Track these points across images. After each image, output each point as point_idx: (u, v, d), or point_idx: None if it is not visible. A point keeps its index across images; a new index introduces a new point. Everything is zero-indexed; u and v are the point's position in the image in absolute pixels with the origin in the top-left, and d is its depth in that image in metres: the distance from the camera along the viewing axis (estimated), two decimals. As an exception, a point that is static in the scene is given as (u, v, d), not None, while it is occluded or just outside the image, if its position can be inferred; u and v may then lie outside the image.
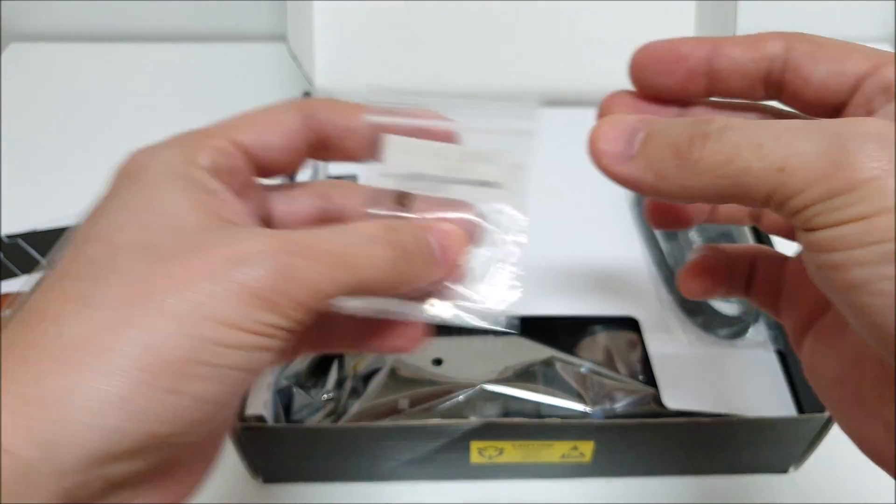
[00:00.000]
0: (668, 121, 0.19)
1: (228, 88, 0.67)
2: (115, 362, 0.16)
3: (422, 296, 0.23)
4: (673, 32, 0.58)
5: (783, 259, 0.25)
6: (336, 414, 0.37)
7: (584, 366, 0.39)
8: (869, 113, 0.20)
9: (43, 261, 0.49)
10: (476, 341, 0.40)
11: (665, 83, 0.22)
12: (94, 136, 0.62)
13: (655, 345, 0.39)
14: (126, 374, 0.16)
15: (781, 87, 0.21)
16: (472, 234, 0.23)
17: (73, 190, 0.55)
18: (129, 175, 0.20)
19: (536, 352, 0.39)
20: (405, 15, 0.56)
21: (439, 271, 0.21)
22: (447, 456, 0.37)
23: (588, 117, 0.61)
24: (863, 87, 0.20)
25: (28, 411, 0.16)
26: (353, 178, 0.52)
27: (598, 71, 0.57)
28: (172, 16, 0.72)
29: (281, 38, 0.53)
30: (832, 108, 0.21)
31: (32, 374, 0.16)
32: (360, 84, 0.60)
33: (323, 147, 0.24)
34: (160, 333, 0.17)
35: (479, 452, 0.37)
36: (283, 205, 0.25)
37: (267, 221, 0.24)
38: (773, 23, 0.73)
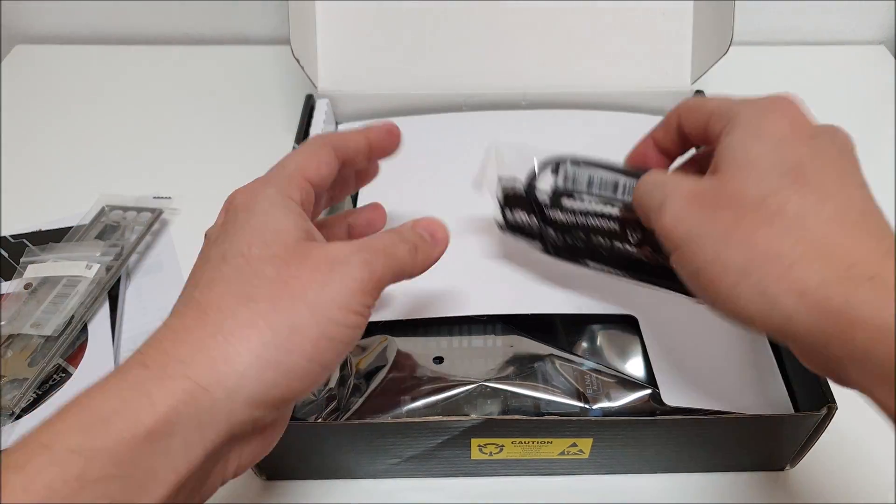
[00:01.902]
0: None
1: (231, 91, 0.67)
2: (273, 337, 0.23)
3: None
4: (673, 32, 0.59)
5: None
6: (338, 411, 0.38)
7: (584, 363, 0.39)
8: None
9: (48, 260, 0.49)
10: (476, 339, 0.40)
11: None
12: (98, 138, 0.63)
13: (654, 343, 0.39)
14: (279, 345, 0.23)
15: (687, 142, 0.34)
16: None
17: (76, 190, 0.56)
18: (243, 206, 0.27)
19: (536, 349, 0.39)
20: (407, 17, 0.56)
21: (436, 249, 0.30)
22: (448, 453, 0.37)
23: (591, 118, 0.62)
24: (721, 141, 0.28)
25: (218, 366, 0.23)
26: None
27: (598, 72, 0.57)
28: (176, 18, 0.72)
29: (284, 40, 0.54)
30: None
31: (220, 344, 0.23)
32: (363, 86, 0.61)
33: (343, 167, 0.32)
34: (301, 316, 0.24)
35: (479, 449, 0.37)
36: (325, 229, 0.35)
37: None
38: (772, 23, 0.74)
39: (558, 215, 0.36)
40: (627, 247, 0.34)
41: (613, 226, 0.34)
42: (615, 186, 0.34)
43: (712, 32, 0.53)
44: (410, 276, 0.29)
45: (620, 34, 0.56)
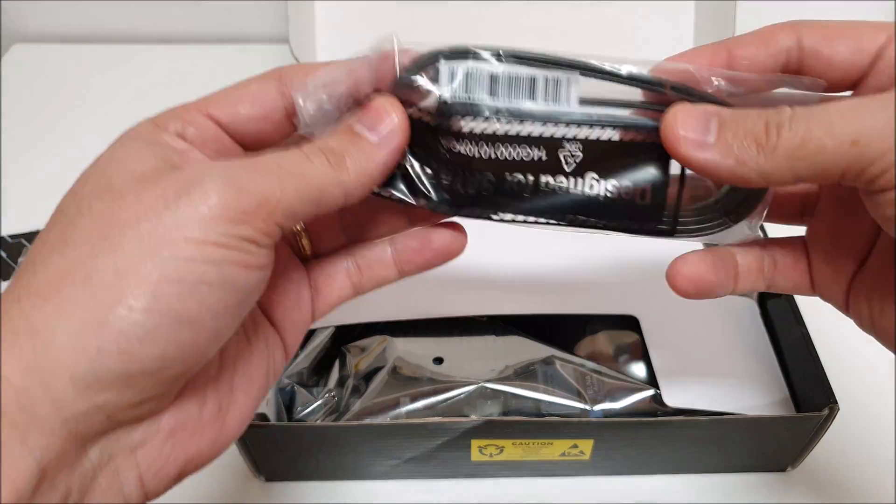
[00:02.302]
0: (737, 110, 0.21)
1: (230, 89, 0.67)
2: (91, 289, 0.18)
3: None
4: (672, 32, 0.58)
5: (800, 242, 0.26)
6: (338, 412, 0.37)
7: (585, 364, 0.39)
8: (892, 80, 0.22)
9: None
10: (476, 340, 0.40)
11: None
12: (96, 138, 0.62)
13: (655, 343, 0.39)
14: (101, 297, 0.18)
15: (801, 72, 0.23)
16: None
17: (75, 190, 0.56)
18: (103, 152, 0.22)
19: (536, 350, 0.39)
20: (407, 17, 0.56)
21: (381, 150, 0.22)
22: (448, 454, 0.37)
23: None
24: (884, 55, 0.21)
25: (20, 342, 0.17)
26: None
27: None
28: (174, 17, 0.72)
29: (283, 39, 0.54)
30: (852, 83, 0.23)
31: (22, 310, 0.18)
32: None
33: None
34: (127, 257, 0.18)
35: (479, 450, 0.37)
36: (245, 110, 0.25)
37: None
38: (772, 23, 0.73)
39: (450, 145, 0.24)
40: (562, 180, 0.24)
41: (537, 153, 0.24)
42: (532, 87, 0.23)
43: (714, 31, 0.53)
44: (345, 196, 0.22)
45: (621, 33, 0.56)
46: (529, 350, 0.39)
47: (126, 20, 0.72)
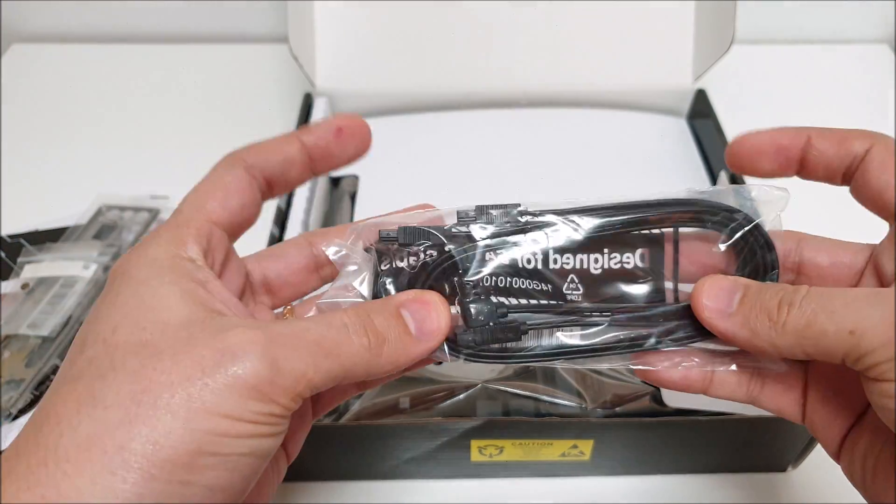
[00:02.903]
0: (760, 285, 0.23)
1: (230, 89, 0.67)
2: (128, 459, 0.18)
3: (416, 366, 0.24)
4: (673, 32, 0.58)
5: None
6: (337, 413, 0.37)
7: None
8: None
9: (45, 260, 0.49)
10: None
11: (763, 168, 0.26)
12: (95, 137, 0.62)
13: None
14: (138, 469, 0.18)
15: (852, 178, 0.24)
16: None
17: (73, 190, 0.55)
18: (122, 275, 0.21)
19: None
20: (406, 16, 0.56)
21: (418, 347, 0.23)
22: (448, 454, 0.37)
23: (591, 118, 0.62)
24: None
25: None
26: (354, 178, 0.53)
27: (599, 71, 0.57)
28: (174, 17, 0.72)
29: (282, 39, 0.54)
30: (886, 214, 0.24)
31: (50, 476, 0.17)
32: (361, 85, 0.61)
33: (270, 186, 0.26)
34: (166, 429, 0.18)
35: (479, 451, 0.37)
36: (275, 264, 0.27)
37: (266, 284, 0.27)
38: (773, 22, 0.74)
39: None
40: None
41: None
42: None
43: (714, 31, 0.53)
44: (368, 377, 0.22)
45: (621, 33, 0.56)
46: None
47: (126, 20, 0.72)
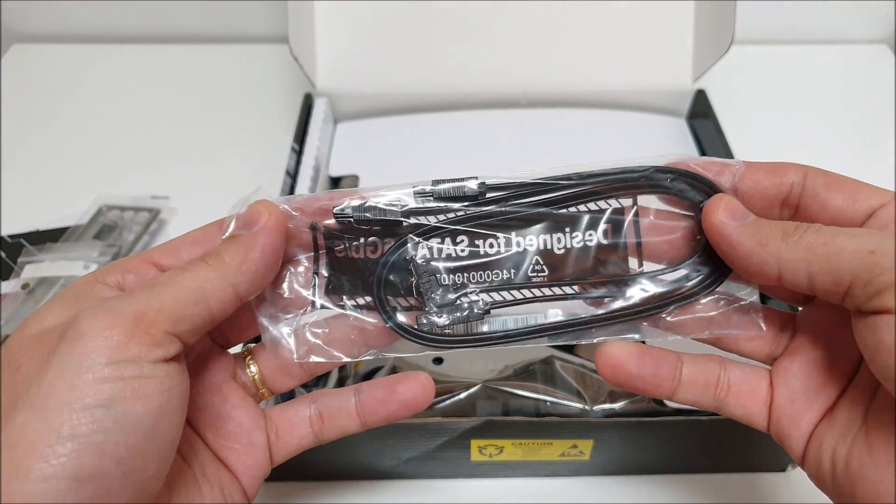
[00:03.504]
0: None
1: (230, 90, 0.67)
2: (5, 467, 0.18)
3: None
4: (672, 32, 0.58)
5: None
6: (337, 412, 0.37)
7: (584, 364, 0.39)
8: None
9: (45, 260, 0.49)
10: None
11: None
12: (95, 138, 0.62)
13: (655, 342, 0.39)
14: (8, 471, 0.18)
15: (797, 209, 0.24)
16: None
17: (73, 190, 0.55)
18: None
19: (536, 350, 0.39)
20: (407, 16, 0.56)
21: (258, 238, 0.23)
22: (447, 454, 0.37)
23: (591, 118, 0.61)
24: (877, 215, 0.23)
25: None
26: (355, 178, 0.53)
27: (599, 71, 0.57)
28: (174, 17, 0.72)
29: (282, 39, 0.54)
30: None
31: None
32: (362, 85, 0.61)
33: None
34: (19, 427, 0.18)
35: (479, 451, 0.37)
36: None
37: None
38: (773, 22, 0.74)
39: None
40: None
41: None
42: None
43: (713, 31, 0.53)
44: (233, 287, 0.22)
45: (621, 33, 0.56)
46: (529, 350, 0.39)
47: (126, 20, 0.72)
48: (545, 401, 0.37)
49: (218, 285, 0.22)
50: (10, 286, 0.47)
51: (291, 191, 0.48)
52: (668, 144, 0.55)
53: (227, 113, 0.64)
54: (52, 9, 0.72)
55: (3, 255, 0.51)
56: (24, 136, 0.62)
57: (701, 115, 0.55)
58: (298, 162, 0.50)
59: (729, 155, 0.48)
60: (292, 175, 0.49)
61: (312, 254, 0.25)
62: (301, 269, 0.25)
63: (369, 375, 0.39)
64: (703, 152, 0.54)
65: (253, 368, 0.27)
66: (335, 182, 0.53)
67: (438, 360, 0.39)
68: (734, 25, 0.51)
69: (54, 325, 0.20)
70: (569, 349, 0.40)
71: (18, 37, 0.73)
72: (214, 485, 0.25)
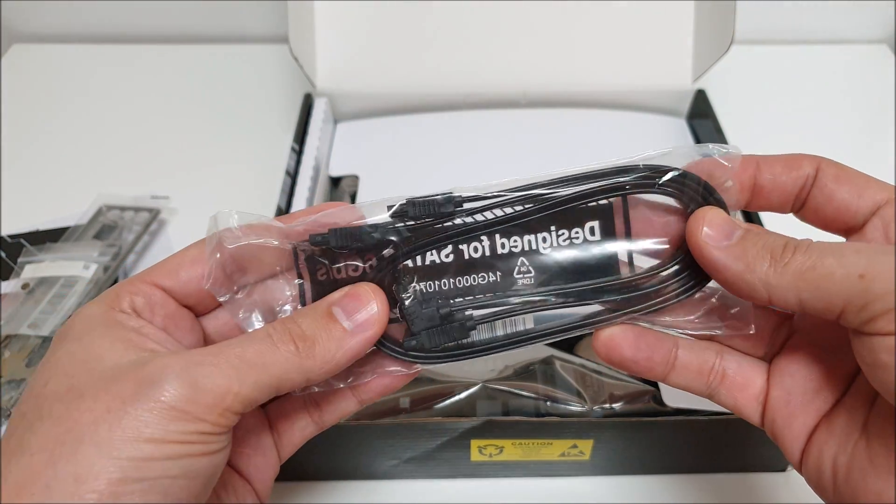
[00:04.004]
0: (763, 228, 0.22)
1: (230, 90, 0.67)
2: (53, 497, 0.18)
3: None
4: (672, 32, 0.58)
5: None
6: (337, 412, 0.37)
7: (584, 364, 0.39)
8: (887, 238, 0.22)
9: (45, 260, 0.49)
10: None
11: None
12: (96, 137, 0.62)
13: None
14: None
15: (805, 202, 0.24)
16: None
17: (73, 190, 0.55)
18: (60, 336, 0.22)
19: (536, 350, 0.39)
20: (406, 16, 0.56)
21: (353, 339, 0.23)
22: (447, 454, 0.37)
23: (591, 118, 0.61)
24: (881, 212, 0.22)
25: None
26: (355, 178, 0.53)
27: (599, 71, 0.57)
28: (174, 17, 0.72)
29: (282, 39, 0.54)
30: (846, 227, 0.24)
31: None
32: (362, 85, 0.61)
33: (241, 269, 0.25)
34: (88, 462, 0.19)
35: (479, 451, 0.37)
36: (212, 322, 0.26)
37: (208, 341, 0.26)
38: (773, 22, 0.74)
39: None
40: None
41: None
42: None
43: (713, 31, 0.53)
44: (307, 381, 0.22)
45: (621, 33, 0.56)
46: (529, 350, 0.39)
47: (126, 20, 0.72)
48: (545, 401, 0.37)
49: (296, 378, 0.22)
50: (10, 286, 0.47)
51: (291, 191, 0.48)
52: (668, 144, 0.54)
53: (227, 113, 0.64)
54: (52, 9, 0.72)
55: (3, 255, 0.51)
56: (24, 136, 0.62)
57: (701, 115, 0.55)
58: (298, 162, 0.50)
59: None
60: (292, 175, 0.48)
61: (297, 280, 0.25)
62: (288, 292, 0.25)
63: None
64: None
65: None
66: (335, 182, 0.53)
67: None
68: (734, 25, 0.51)
69: (114, 364, 0.21)
70: (569, 349, 0.40)
71: (18, 37, 0.73)
72: (229, 490, 0.25)
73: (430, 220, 0.24)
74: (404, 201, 0.24)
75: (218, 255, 0.24)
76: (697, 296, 0.24)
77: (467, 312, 0.24)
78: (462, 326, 0.24)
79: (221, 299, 0.24)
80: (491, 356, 0.40)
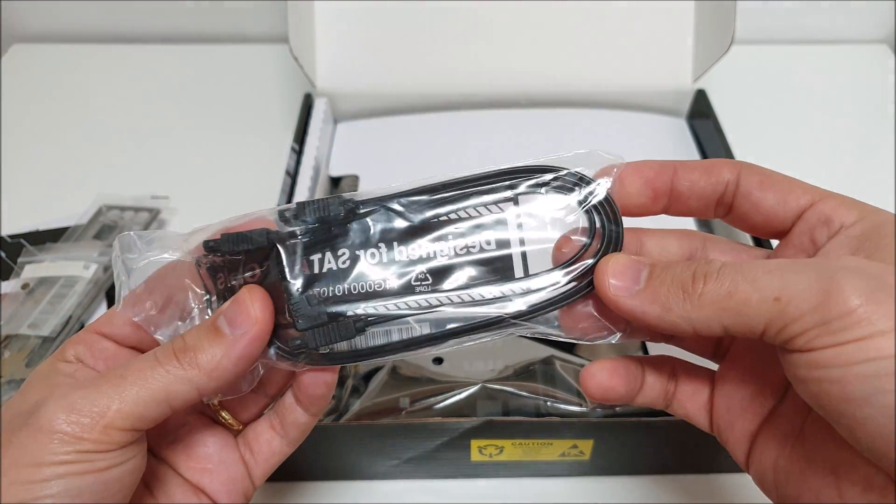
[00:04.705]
0: (668, 261, 0.22)
1: (230, 90, 0.67)
2: None
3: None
4: (672, 32, 0.58)
5: (708, 374, 0.26)
6: (337, 413, 0.37)
7: (584, 364, 0.39)
8: (812, 241, 0.22)
9: (45, 260, 0.49)
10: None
11: (634, 202, 0.25)
12: (95, 138, 0.62)
13: (655, 343, 0.39)
14: None
15: (731, 208, 0.24)
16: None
17: (73, 190, 0.55)
18: (18, 392, 0.24)
19: (536, 350, 0.39)
20: (407, 16, 0.56)
21: (237, 343, 0.23)
22: (447, 454, 0.37)
23: (591, 118, 0.61)
24: (805, 217, 0.22)
25: None
26: (355, 178, 0.53)
27: (599, 71, 0.57)
28: (174, 17, 0.72)
29: (282, 39, 0.54)
30: (775, 231, 0.24)
31: None
32: (361, 85, 0.61)
33: (152, 288, 0.25)
34: None
35: (479, 451, 0.37)
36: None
37: None
38: (773, 22, 0.74)
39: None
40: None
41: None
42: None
43: (714, 31, 0.53)
44: (198, 390, 0.23)
45: (621, 33, 0.56)
46: (529, 350, 0.39)
47: (125, 20, 0.72)
48: (545, 401, 0.37)
49: (182, 388, 0.22)
50: (10, 286, 0.47)
51: (291, 190, 0.48)
52: (668, 144, 0.55)
53: (227, 113, 0.64)
54: (52, 9, 0.72)
55: (3, 255, 0.51)
56: (24, 136, 0.62)
57: (701, 115, 0.55)
58: (298, 162, 0.50)
59: (729, 155, 0.48)
60: (292, 175, 0.48)
61: (202, 291, 0.25)
62: (194, 305, 0.25)
63: (369, 376, 0.39)
64: (703, 152, 0.54)
65: (224, 412, 0.28)
66: (335, 182, 0.53)
67: (438, 360, 0.39)
68: (734, 25, 0.51)
69: (25, 409, 0.22)
70: (569, 349, 0.40)
71: (18, 37, 0.73)
72: None
73: (324, 223, 0.24)
74: (294, 206, 0.24)
75: (125, 279, 0.24)
76: (584, 305, 0.24)
77: (359, 312, 0.24)
78: (349, 326, 0.24)
79: (136, 319, 0.25)
80: (493, 354, 0.40)
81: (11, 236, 0.52)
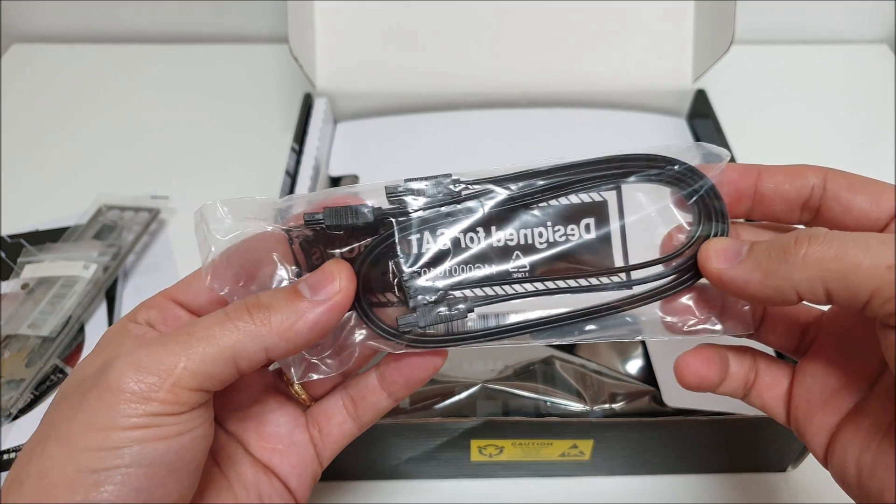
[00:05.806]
0: (769, 238, 0.22)
1: (229, 90, 0.67)
2: (22, 494, 0.20)
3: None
4: (672, 32, 0.58)
5: (788, 368, 0.26)
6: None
7: (585, 364, 0.39)
8: None
9: (45, 260, 0.49)
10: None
11: None
12: (95, 137, 0.62)
13: (655, 343, 0.39)
14: (33, 499, 0.19)
15: (818, 212, 0.24)
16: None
17: (73, 190, 0.55)
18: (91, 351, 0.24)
19: (536, 350, 0.39)
20: (405, 16, 0.56)
21: (314, 308, 0.22)
22: (447, 454, 0.37)
23: (591, 118, 0.61)
24: None
25: None
26: (354, 177, 0.53)
27: (599, 71, 0.57)
28: (174, 17, 0.72)
29: (282, 39, 0.54)
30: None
31: None
32: (361, 85, 0.61)
33: (239, 260, 0.24)
34: (49, 458, 0.20)
35: (479, 451, 0.37)
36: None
37: None
38: (773, 22, 0.74)
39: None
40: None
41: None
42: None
43: (713, 31, 0.53)
44: (266, 352, 0.22)
45: (621, 33, 0.56)
46: (529, 350, 0.39)
47: (124, 20, 0.72)
48: (545, 401, 0.37)
49: (251, 347, 0.21)
50: (10, 286, 0.47)
51: (291, 190, 0.48)
52: (668, 144, 0.55)
53: (227, 113, 0.64)
54: (52, 9, 0.72)
55: (3, 255, 0.51)
56: (24, 136, 0.62)
57: (701, 115, 0.55)
58: (298, 162, 0.50)
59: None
60: (292, 175, 0.49)
61: (293, 266, 0.24)
62: (285, 279, 0.24)
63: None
64: (703, 152, 0.54)
65: (297, 384, 0.27)
66: (335, 182, 0.53)
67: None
68: (734, 25, 0.51)
69: (94, 369, 0.21)
70: (569, 349, 0.40)
71: (18, 37, 0.73)
72: (251, 489, 0.25)
73: (432, 202, 0.24)
74: (402, 182, 0.24)
75: (213, 249, 0.24)
76: (686, 298, 0.24)
77: (467, 293, 0.24)
78: (456, 310, 0.24)
79: (222, 293, 0.24)
80: (493, 354, 0.40)
81: (11, 236, 0.52)
